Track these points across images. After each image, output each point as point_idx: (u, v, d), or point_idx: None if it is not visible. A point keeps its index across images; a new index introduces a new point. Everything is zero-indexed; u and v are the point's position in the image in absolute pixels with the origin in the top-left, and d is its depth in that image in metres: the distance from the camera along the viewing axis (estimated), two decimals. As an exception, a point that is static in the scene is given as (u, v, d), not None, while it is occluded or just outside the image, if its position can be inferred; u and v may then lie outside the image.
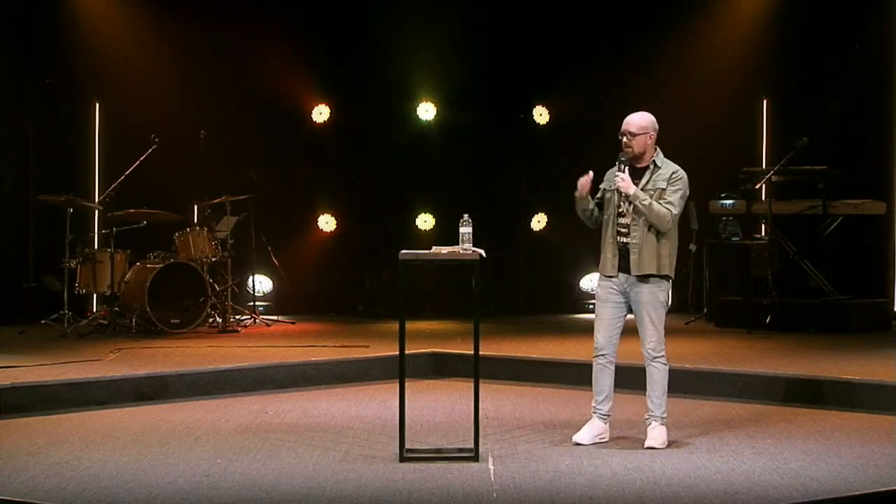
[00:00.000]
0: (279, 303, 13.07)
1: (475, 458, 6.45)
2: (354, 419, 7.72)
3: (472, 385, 6.65)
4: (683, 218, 13.02)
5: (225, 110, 12.63)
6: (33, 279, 12.20)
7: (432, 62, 13.05)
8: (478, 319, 6.69)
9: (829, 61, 12.75)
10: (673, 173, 6.90)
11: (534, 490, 5.85)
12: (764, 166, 12.47)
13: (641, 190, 6.86)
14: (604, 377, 6.95)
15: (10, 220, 12.24)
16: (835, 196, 11.77)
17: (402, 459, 6.44)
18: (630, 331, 6.98)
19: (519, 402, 8.37)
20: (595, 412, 6.97)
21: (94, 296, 12.04)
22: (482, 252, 6.73)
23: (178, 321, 11.10)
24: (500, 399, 8.44)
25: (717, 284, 12.36)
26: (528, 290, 13.36)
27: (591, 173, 6.92)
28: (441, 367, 9.63)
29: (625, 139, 6.94)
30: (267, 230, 12.35)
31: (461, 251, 6.71)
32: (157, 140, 11.30)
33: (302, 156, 13.38)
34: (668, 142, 14.16)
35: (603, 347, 6.95)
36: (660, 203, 6.82)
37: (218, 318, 11.58)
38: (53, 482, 5.99)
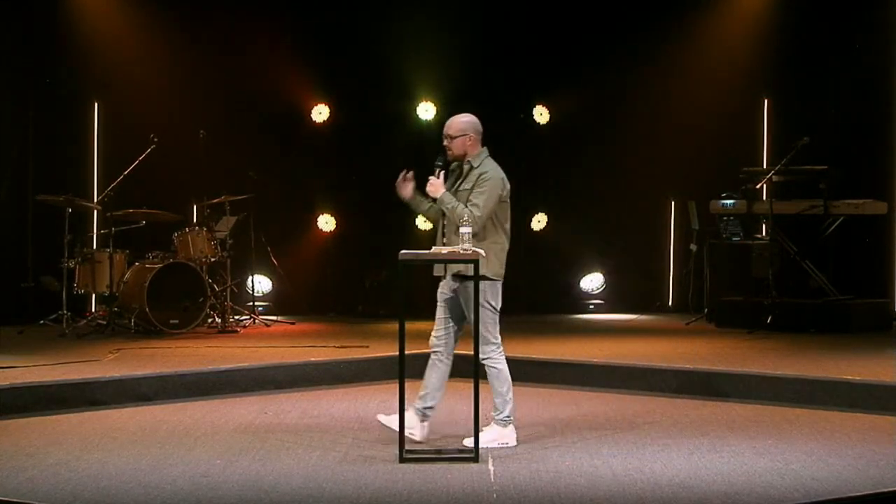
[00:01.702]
0: (279, 303, 13.05)
1: (475, 459, 6.44)
2: (354, 420, 7.70)
3: (472, 385, 6.63)
4: (684, 218, 13.18)
5: (225, 110, 12.61)
6: (32, 279, 12.17)
7: (432, 62, 13.03)
8: (477, 319, 6.68)
9: (829, 61, 12.75)
10: (481, 174, 6.88)
11: (534, 490, 5.84)
12: (765, 166, 12.46)
13: (457, 191, 6.87)
14: (432, 373, 6.97)
15: (9, 219, 12.22)
16: (836, 196, 11.75)
17: (402, 460, 6.43)
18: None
19: (519, 403, 8.30)
20: (413, 405, 6.87)
21: (93, 296, 12.02)
22: (482, 252, 6.73)
23: (177, 321, 11.08)
24: (501, 399, 8.41)
25: (718, 284, 12.36)
26: (528, 290, 13.33)
27: (406, 173, 6.94)
28: (441, 368, 9.60)
29: (445, 141, 6.96)
30: (267, 230, 12.33)
31: (461, 251, 6.69)
32: (156, 140, 11.28)
33: (302, 156, 13.36)
34: (669, 141, 14.13)
35: (435, 345, 7.01)
36: (465, 205, 6.77)
37: (217, 319, 11.56)
38: (52, 483, 5.97)
